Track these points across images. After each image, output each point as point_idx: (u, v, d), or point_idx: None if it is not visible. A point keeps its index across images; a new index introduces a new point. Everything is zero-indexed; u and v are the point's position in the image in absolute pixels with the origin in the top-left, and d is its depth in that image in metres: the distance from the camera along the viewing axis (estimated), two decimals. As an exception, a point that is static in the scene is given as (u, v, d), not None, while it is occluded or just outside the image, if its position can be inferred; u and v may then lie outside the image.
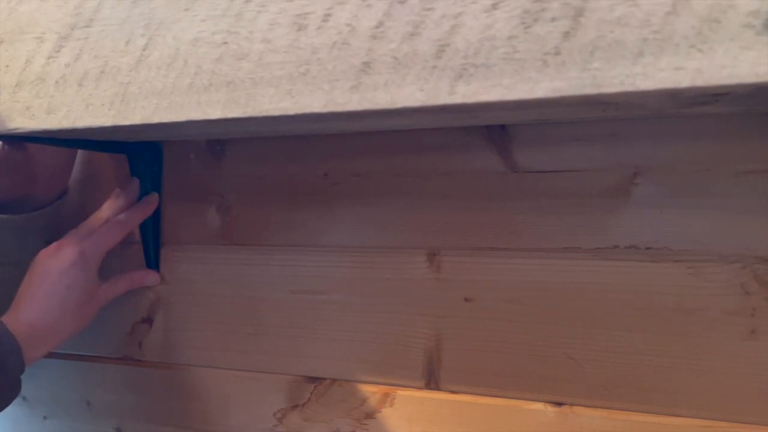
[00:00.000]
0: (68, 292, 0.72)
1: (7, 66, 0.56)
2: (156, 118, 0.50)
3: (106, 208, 0.80)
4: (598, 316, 0.64)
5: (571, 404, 0.66)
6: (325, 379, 0.77)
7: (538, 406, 0.67)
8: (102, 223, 0.77)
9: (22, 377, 0.68)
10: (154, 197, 0.82)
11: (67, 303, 0.72)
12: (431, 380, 0.71)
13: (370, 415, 0.74)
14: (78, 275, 0.73)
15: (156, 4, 0.50)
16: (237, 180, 0.79)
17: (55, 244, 0.75)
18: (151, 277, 0.83)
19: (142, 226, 0.83)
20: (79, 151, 0.87)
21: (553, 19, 0.40)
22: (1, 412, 0.66)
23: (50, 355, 0.90)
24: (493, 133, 0.66)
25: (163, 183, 0.83)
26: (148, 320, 0.86)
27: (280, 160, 0.76)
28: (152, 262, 0.84)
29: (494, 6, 0.41)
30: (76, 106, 0.53)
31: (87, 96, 0.53)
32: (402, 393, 0.73)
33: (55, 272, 0.72)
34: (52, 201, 0.81)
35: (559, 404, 0.66)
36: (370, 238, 0.73)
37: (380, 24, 0.43)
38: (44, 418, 0.95)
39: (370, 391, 0.74)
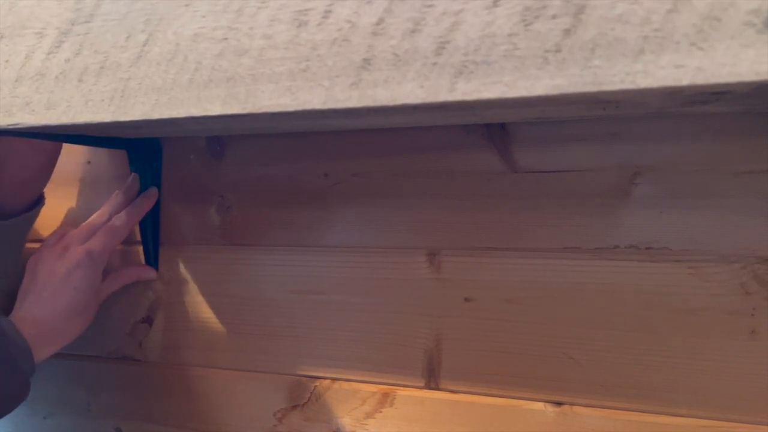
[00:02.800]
0: (76, 293, 0.72)
1: (6, 61, 0.56)
2: (156, 114, 0.50)
3: (107, 207, 0.79)
4: (598, 316, 0.64)
5: (571, 404, 0.66)
6: (325, 379, 0.77)
7: (538, 406, 0.67)
8: (104, 222, 0.77)
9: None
10: (153, 192, 0.81)
11: (75, 304, 0.72)
12: (431, 380, 0.71)
13: (370, 415, 0.74)
14: (85, 276, 0.73)
15: (157, -1, 0.51)
16: (237, 180, 0.79)
17: (60, 244, 0.75)
18: (148, 272, 0.83)
19: (142, 226, 0.83)
20: (79, 153, 0.87)
21: (554, 17, 0.39)
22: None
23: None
24: (494, 133, 0.66)
25: (163, 183, 0.83)
26: (148, 320, 0.86)
27: (280, 160, 0.77)
28: (152, 261, 0.84)
29: (495, 3, 0.41)
30: (75, 101, 0.53)
31: (87, 91, 0.52)
32: (402, 393, 0.73)
33: (62, 273, 0.72)
34: (19, 211, 0.78)
35: (559, 404, 0.66)
36: (370, 238, 0.73)
37: (381, 20, 0.43)
38: (44, 418, 0.94)
39: (370, 391, 0.74)
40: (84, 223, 0.79)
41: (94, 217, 0.79)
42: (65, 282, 0.71)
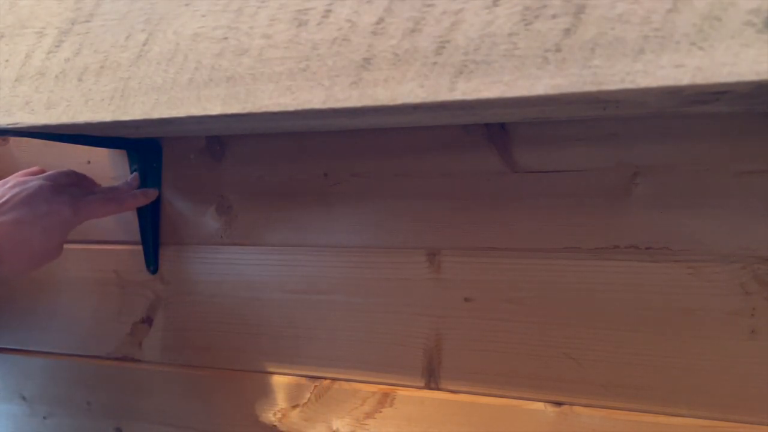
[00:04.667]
0: (41, 235, 0.68)
1: (7, 60, 0.56)
2: (155, 114, 0.50)
3: (107, 187, 0.78)
4: (598, 316, 0.64)
5: (571, 404, 0.66)
6: (325, 379, 0.77)
7: (538, 406, 0.67)
8: (99, 193, 0.75)
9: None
10: (153, 192, 0.81)
11: (34, 242, 0.67)
12: (431, 380, 0.71)
13: (370, 415, 0.74)
14: (58, 225, 0.69)
15: (157, -1, 0.51)
16: (237, 180, 0.79)
17: (54, 184, 0.71)
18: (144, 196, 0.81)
19: (142, 226, 0.83)
20: (79, 153, 0.87)
21: (554, 16, 0.40)
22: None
23: (50, 355, 0.91)
24: (493, 133, 0.66)
25: (163, 183, 0.83)
26: (148, 320, 0.86)
27: (280, 160, 0.77)
28: (152, 261, 0.84)
29: (495, 2, 0.41)
30: (75, 100, 0.53)
31: (87, 91, 0.53)
32: (402, 393, 0.73)
33: (42, 212, 0.68)
34: None
35: (559, 404, 0.66)
36: (370, 238, 0.73)
37: (381, 20, 0.43)
38: (44, 418, 0.94)
39: (370, 391, 0.74)
40: (81, 187, 0.76)
41: (92, 189, 0.77)
42: (37, 221, 0.68)
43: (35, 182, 0.70)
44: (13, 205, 0.68)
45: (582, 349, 0.65)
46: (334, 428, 0.76)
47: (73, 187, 0.74)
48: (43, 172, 0.76)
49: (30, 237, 0.67)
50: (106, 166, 0.86)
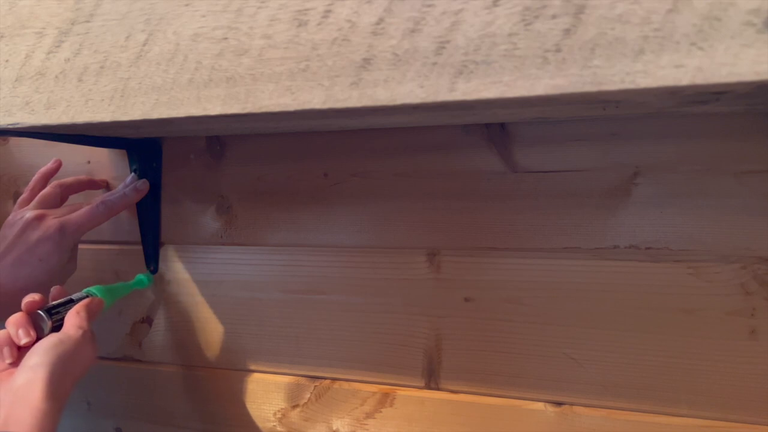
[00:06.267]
0: (39, 264, 0.71)
1: (6, 61, 0.56)
2: (155, 114, 0.50)
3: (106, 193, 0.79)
4: (598, 316, 0.64)
5: (571, 404, 0.66)
6: (325, 379, 0.77)
7: (538, 406, 0.67)
8: (88, 203, 0.76)
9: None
10: (144, 184, 0.81)
11: (37, 275, 0.71)
12: (431, 380, 0.71)
13: (370, 415, 0.74)
14: (52, 249, 0.72)
15: (157, -1, 0.51)
16: (237, 180, 0.79)
17: (38, 212, 0.74)
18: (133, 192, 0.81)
19: (142, 226, 0.83)
20: (79, 153, 0.87)
21: (554, 16, 0.39)
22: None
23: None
24: (493, 133, 0.66)
25: (162, 183, 0.83)
26: (148, 320, 0.86)
27: (279, 160, 0.76)
28: (152, 261, 0.84)
29: (495, 3, 0.41)
30: (75, 101, 0.53)
31: (87, 91, 0.53)
32: (402, 393, 0.73)
33: (31, 242, 0.71)
34: None
35: (559, 404, 0.66)
36: (370, 238, 0.73)
37: (380, 20, 0.43)
38: (43, 418, 0.94)
39: (370, 391, 0.74)
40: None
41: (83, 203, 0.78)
42: (31, 252, 0.72)
43: (25, 216, 0.74)
44: (9, 246, 0.72)
45: (582, 349, 0.65)
46: (334, 428, 0.76)
47: (63, 207, 0.77)
48: (34, 194, 0.79)
49: (31, 271, 0.72)
50: (106, 166, 0.86)
